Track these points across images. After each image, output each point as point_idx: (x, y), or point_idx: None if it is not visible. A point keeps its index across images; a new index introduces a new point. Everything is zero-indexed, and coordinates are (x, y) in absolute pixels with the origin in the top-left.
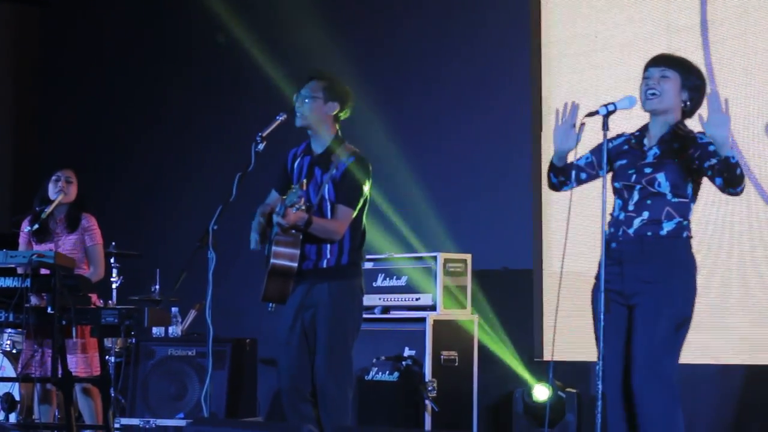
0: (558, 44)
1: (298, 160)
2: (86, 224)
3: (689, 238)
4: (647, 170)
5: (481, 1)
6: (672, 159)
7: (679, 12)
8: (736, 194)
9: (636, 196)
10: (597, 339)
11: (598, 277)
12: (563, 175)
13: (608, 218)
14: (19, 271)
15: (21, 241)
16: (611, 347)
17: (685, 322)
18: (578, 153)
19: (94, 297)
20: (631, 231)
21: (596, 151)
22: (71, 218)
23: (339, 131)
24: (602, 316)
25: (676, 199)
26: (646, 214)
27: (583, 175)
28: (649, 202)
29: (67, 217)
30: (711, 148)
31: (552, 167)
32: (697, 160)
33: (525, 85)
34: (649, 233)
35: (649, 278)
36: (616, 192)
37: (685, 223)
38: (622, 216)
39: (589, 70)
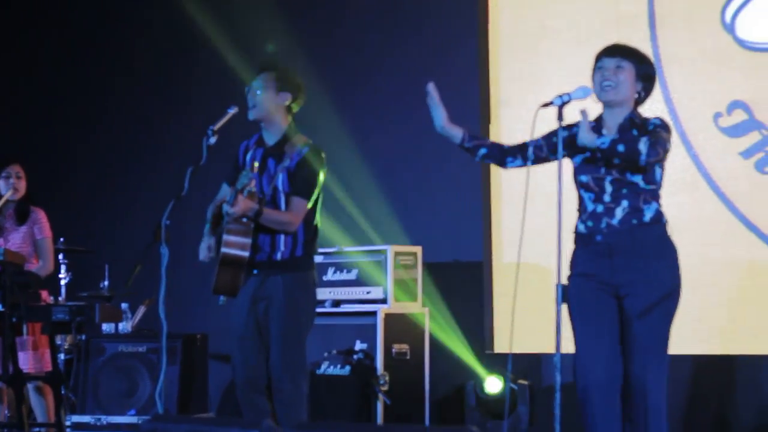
0: (505, 35)
1: (250, 152)
2: (35, 217)
3: (666, 223)
4: (616, 161)
5: None
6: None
7: (627, 3)
8: (649, 163)
9: (609, 188)
10: (573, 329)
11: (578, 273)
12: (477, 151)
13: (578, 214)
14: None
15: None
16: (599, 339)
17: (675, 302)
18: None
19: (44, 294)
20: (615, 222)
21: (548, 137)
22: (20, 212)
23: (292, 122)
24: (558, 308)
25: (649, 186)
26: (625, 203)
27: (530, 153)
28: (624, 191)
29: (16, 211)
30: (650, 127)
31: (463, 149)
32: None
33: (473, 76)
34: (634, 221)
35: (639, 266)
36: (583, 185)
37: (660, 209)
38: (600, 208)
39: (535, 60)
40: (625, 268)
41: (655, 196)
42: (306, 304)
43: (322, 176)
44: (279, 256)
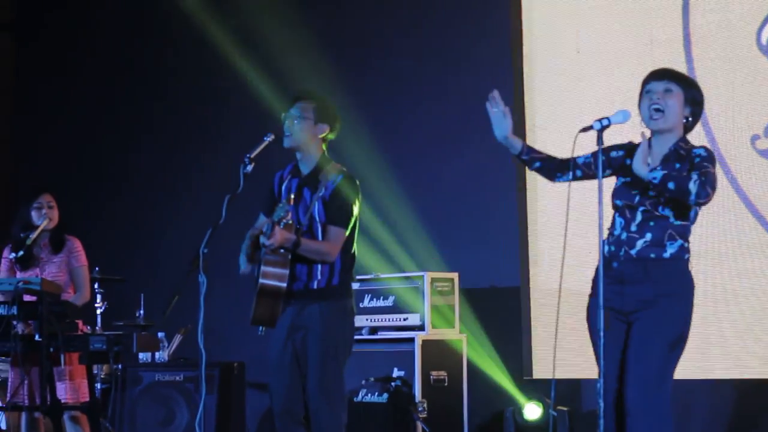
0: (540, 59)
1: (285, 182)
2: (71, 246)
3: (689, 259)
4: (651, 193)
5: (463, 21)
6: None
7: (662, 26)
8: (699, 204)
9: (639, 217)
10: (597, 356)
11: (593, 295)
12: (532, 163)
13: (606, 233)
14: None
15: (2, 268)
16: (612, 362)
17: (681, 340)
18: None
19: (80, 323)
20: (633, 252)
21: (596, 156)
22: (55, 241)
23: (326, 151)
24: (602, 334)
25: (678, 222)
26: (649, 236)
27: (579, 172)
28: (652, 224)
29: (51, 241)
30: (697, 160)
31: (519, 161)
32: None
33: (508, 101)
34: (652, 255)
35: (649, 298)
36: (617, 209)
37: (686, 245)
38: (624, 236)
39: (571, 85)
40: (633, 297)
41: (683, 232)
42: (344, 332)
43: (357, 204)
44: (315, 284)
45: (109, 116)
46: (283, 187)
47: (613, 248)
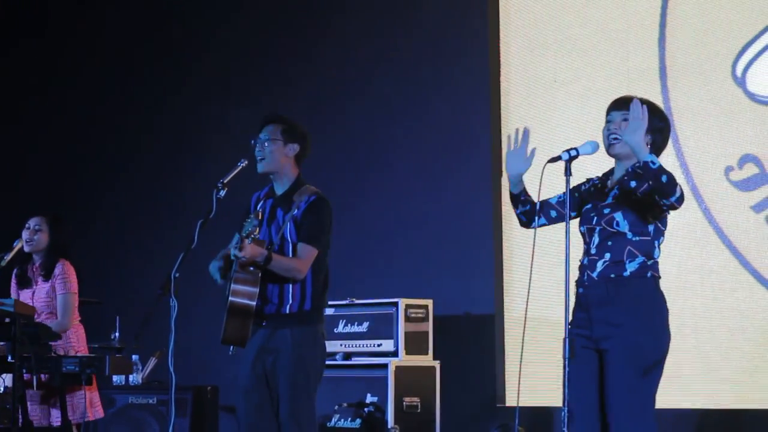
0: (518, 89)
1: (261, 203)
2: (57, 272)
3: (655, 277)
4: (606, 211)
5: (440, 48)
6: (630, 197)
7: (638, 57)
8: (673, 205)
9: (597, 239)
10: (563, 385)
11: (570, 323)
12: (523, 205)
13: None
14: None
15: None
16: (584, 393)
17: (656, 364)
18: (547, 192)
19: (80, 340)
20: (594, 274)
21: (570, 192)
22: (46, 267)
23: (300, 173)
24: (566, 363)
25: (636, 238)
26: (607, 256)
27: (553, 213)
28: (609, 243)
29: (43, 266)
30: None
31: (511, 197)
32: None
33: (485, 130)
34: (612, 275)
35: (615, 321)
36: (582, 236)
37: (650, 262)
38: (585, 261)
39: (547, 114)
40: (600, 322)
41: (645, 249)
42: (314, 358)
43: (329, 225)
44: (288, 309)
45: (87, 138)
46: (258, 208)
47: (579, 274)
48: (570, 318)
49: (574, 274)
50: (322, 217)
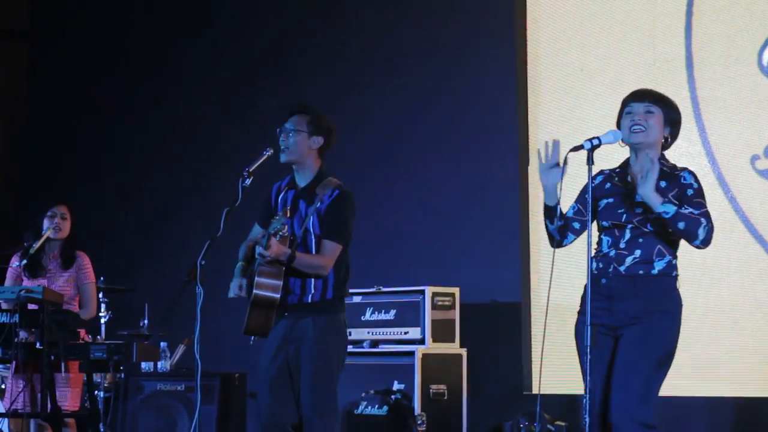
0: (545, 78)
1: (282, 194)
2: (80, 262)
3: (677, 276)
4: (638, 210)
5: (468, 38)
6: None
7: (665, 46)
8: (699, 247)
9: (627, 235)
10: (583, 372)
11: (582, 312)
12: (558, 220)
13: (593, 252)
14: (4, 306)
15: (8, 276)
16: (599, 379)
17: (668, 358)
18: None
19: (82, 332)
20: (622, 269)
21: (580, 198)
22: (65, 256)
23: (323, 165)
24: (588, 350)
25: (666, 237)
26: (638, 253)
27: (576, 225)
28: (641, 240)
29: (62, 255)
30: (689, 191)
31: (546, 211)
32: (678, 201)
33: (513, 120)
34: (641, 272)
35: (637, 314)
36: (604, 230)
37: (674, 261)
38: (613, 253)
39: (575, 103)
40: (621, 314)
41: (671, 248)
42: (336, 346)
43: (352, 218)
44: (310, 298)
45: (118, 128)
46: (279, 199)
47: (601, 265)
48: (581, 306)
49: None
50: (345, 211)
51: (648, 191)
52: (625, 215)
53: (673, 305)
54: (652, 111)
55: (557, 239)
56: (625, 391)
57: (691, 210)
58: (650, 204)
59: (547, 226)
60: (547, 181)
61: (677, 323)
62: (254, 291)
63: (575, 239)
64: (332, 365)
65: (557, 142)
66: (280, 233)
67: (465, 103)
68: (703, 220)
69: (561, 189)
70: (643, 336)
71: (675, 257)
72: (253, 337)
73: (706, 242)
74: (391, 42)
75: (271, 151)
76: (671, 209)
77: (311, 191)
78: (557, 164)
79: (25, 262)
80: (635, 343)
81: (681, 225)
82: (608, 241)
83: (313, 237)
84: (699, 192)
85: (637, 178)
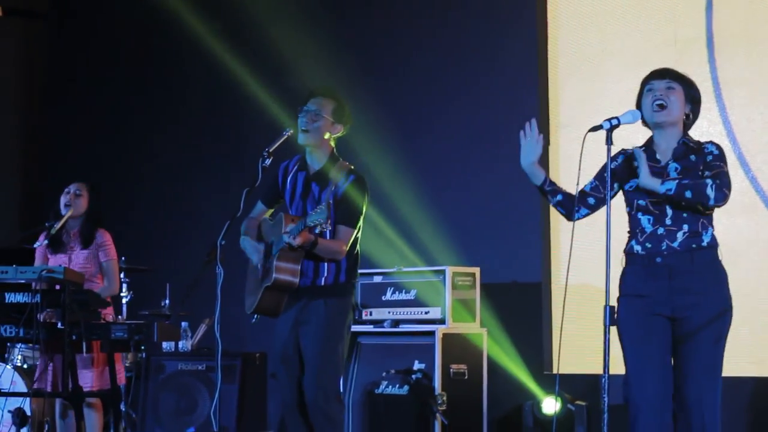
0: (565, 58)
1: (291, 175)
2: (100, 240)
3: (718, 247)
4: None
5: (488, 16)
6: (694, 172)
7: (686, 26)
8: (718, 206)
9: (670, 211)
10: (624, 348)
11: (624, 294)
12: (553, 196)
13: (631, 235)
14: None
15: (37, 255)
16: (650, 359)
17: (728, 325)
18: (582, 180)
19: (110, 311)
20: (676, 245)
21: (599, 175)
22: (84, 234)
23: (335, 149)
24: (606, 330)
25: (707, 211)
26: (686, 227)
27: (591, 200)
28: (684, 215)
29: (81, 233)
30: (709, 158)
31: (539, 191)
32: (703, 169)
33: (533, 100)
34: (694, 245)
35: (699, 289)
36: (641, 209)
37: (715, 233)
38: (661, 230)
39: (596, 83)
40: (683, 290)
41: (711, 221)
42: (342, 329)
43: (365, 205)
44: (322, 281)
45: (138, 108)
46: (289, 179)
47: (649, 245)
48: (625, 288)
49: (621, 244)
50: (360, 197)
51: (646, 180)
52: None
53: (723, 276)
54: (673, 87)
55: (564, 214)
56: (698, 374)
57: (707, 173)
58: (653, 189)
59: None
60: (524, 161)
61: (728, 292)
62: (275, 275)
63: (589, 214)
64: (338, 346)
65: (533, 119)
66: (320, 227)
67: (485, 83)
68: (708, 180)
69: (580, 170)
70: (704, 316)
71: (714, 229)
72: (256, 316)
73: (719, 199)
74: (410, 23)
75: (291, 131)
76: (672, 184)
77: (325, 176)
78: (538, 141)
79: (46, 242)
80: (699, 325)
81: (688, 194)
82: (650, 219)
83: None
84: (718, 156)
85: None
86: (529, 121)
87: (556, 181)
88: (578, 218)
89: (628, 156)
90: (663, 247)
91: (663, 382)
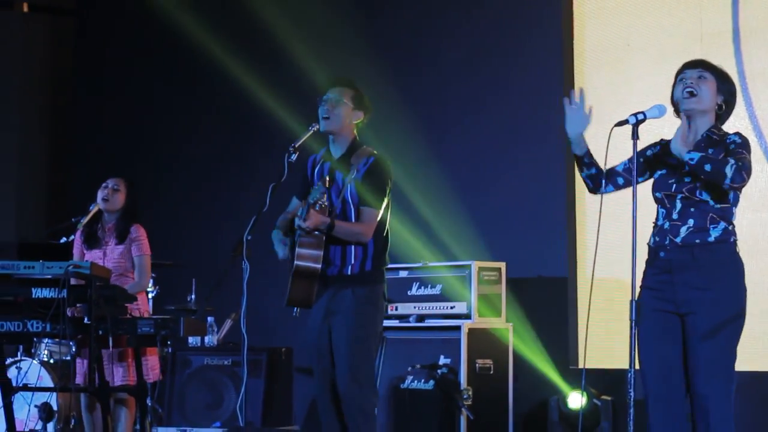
0: (590, 53)
1: (318, 166)
2: (134, 235)
3: (735, 241)
4: (687, 179)
5: (513, 11)
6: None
7: (712, 20)
8: (734, 187)
9: (679, 205)
10: (638, 341)
11: (644, 287)
12: (588, 168)
13: (652, 227)
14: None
15: (74, 251)
16: (660, 354)
17: (739, 321)
18: (614, 160)
19: (143, 306)
20: (678, 240)
21: (633, 159)
22: (120, 229)
23: (357, 136)
24: (632, 324)
25: (719, 205)
26: (691, 222)
27: (621, 180)
28: (692, 210)
29: (116, 228)
30: (732, 147)
31: (576, 160)
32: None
33: (558, 94)
34: (698, 240)
35: (700, 285)
36: (658, 201)
37: (730, 227)
38: (667, 225)
39: (621, 78)
40: (684, 285)
41: (725, 215)
42: (374, 317)
43: (389, 185)
44: (350, 270)
45: (164, 102)
46: (316, 171)
47: (657, 238)
48: (643, 281)
49: (646, 237)
50: (381, 177)
51: (675, 146)
52: (674, 185)
53: (735, 271)
54: (704, 76)
55: (591, 187)
56: (708, 368)
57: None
58: (677, 155)
59: (581, 174)
60: (572, 130)
61: (742, 288)
62: (295, 262)
63: (613, 191)
64: (369, 336)
65: (583, 90)
66: (320, 203)
67: (510, 78)
68: (730, 160)
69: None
70: (711, 311)
71: (731, 223)
72: (296, 309)
73: (736, 180)
74: (435, 16)
75: (317, 126)
76: (696, 155)
77: (347, 161)
78: (584, 111)
79: (73, 237)
80: (706, 319)
81: (707, 167)
82: (662, 213)
83: (352, 207)
84: (741, 145)
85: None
86: (575, 90)
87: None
88: (603, 193)
89: (664, 145)
90: (666, 242)
91: (672, 376)
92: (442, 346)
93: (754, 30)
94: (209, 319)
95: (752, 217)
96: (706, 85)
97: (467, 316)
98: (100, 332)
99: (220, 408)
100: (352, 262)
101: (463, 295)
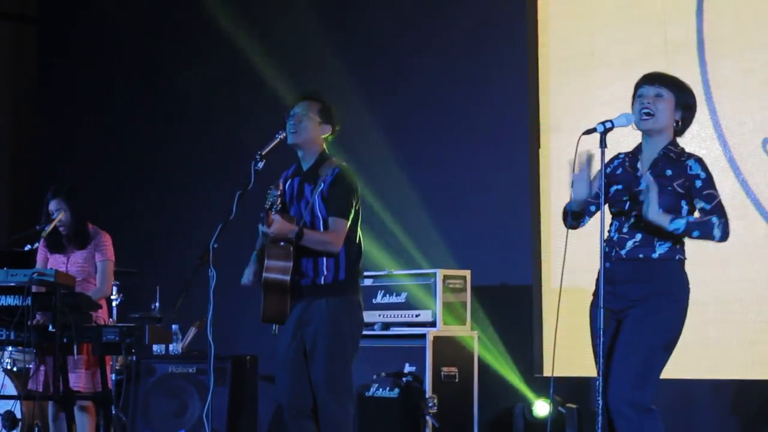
0: (555, 62)
1: (289, 181)
2: (99, 240)
3: (682, 260)
4: (641, 198)
5: (479, 20)
6: (664, 186)
7: (676, 29)
8: (721, 242)
9: (632, 219)
10: (595, 355)
11: (595, 294)
12: (576, 219)
13: (605, 236)
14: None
15: (38, 257)
16: (601, 360)
17: (671, 341)
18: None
19: (103, 313)
20: (623, 252)
21: (595, 180)
22: (77, 235)
23: (326, 149)
24: (601, 333)
25: None
26: (638, 237)
27: (593, 208)
28: (643, 224)
29: (74, 236)
30: (697, 183)
31: (570, 213)
32: (685, 191)
33: (523, 103)
34: (641, 255)
35: (637, 298)
36: (612, 214)
37: (678, 246)
38: (616, 237)
39: (584, 87)
40: (623, 297)
41: (674, 235)
42: (350, 327)
43: (356, 195)
44: (323, 280)
45: (129, 113)
46: (287, 186)
47: (606, 249)
48: (596, 289)
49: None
50: (346, 188)
51: (654, 216)
52: (628, 203)
53: (677, 288)
54: (661, 95)
55: (572, 224)
56: (621, 374)
57: (702, 205)
58: (660, 225)
59: (564, 216)
60: (576, 194)
61: (681, 307)
62: (264, 274)
63: (589, 220)
64: (346, 347)
65: (591, 156)
66: (276, 205)
67: (475, 87)
68: (714, 219)
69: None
70: (642, 319)
71: (679, 243)
72: (274, 326)
73: (724, 238)
74: (401, 30)
75: (284, 134)
76: (681, 224)
77: (314, 174)
78: (590, 178)
79: (36, 245)
80: (634, 326)
81: (695, 234)
82: (615, 225)
83: (321, 219)
84: (708, 182)
85: (642, 195)
86: (582, 154)
87: (548, 184)
88: (582, 226)
89: (620, 161)
90: (613, 254)
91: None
92: (407, 354)
93: (719, 38)
94: (174, 326)
95: None
96: (663, 104)
97: (432, 324)
98: (65, 340)
99: (185, 416)
100: (325, 272)
101: (428, 304)
